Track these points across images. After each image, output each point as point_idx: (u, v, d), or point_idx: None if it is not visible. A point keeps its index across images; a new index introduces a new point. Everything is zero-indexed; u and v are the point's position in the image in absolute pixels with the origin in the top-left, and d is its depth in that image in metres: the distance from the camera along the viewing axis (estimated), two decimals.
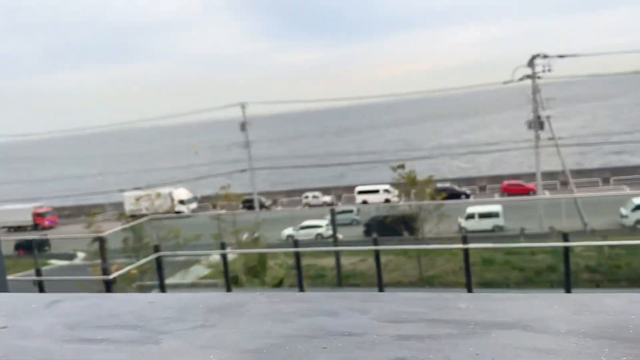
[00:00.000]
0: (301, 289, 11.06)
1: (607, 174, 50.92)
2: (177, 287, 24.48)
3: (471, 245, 10.62)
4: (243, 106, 47.49)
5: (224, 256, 17.95)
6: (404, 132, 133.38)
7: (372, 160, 70.98)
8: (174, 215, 53.60)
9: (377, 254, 10.29)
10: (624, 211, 34.41)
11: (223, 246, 18.46)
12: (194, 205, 57.31)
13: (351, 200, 53.83)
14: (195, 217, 50.25)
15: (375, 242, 10.31)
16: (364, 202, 50.09)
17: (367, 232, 35.52)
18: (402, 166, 29.59)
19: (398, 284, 26.85)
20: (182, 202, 56.32)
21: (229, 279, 17.80)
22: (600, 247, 26.41)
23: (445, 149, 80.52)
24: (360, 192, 52.18)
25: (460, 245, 10.02)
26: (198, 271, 27.64)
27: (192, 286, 25.12)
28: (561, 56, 35.80)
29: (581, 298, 1.14)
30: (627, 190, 44.08)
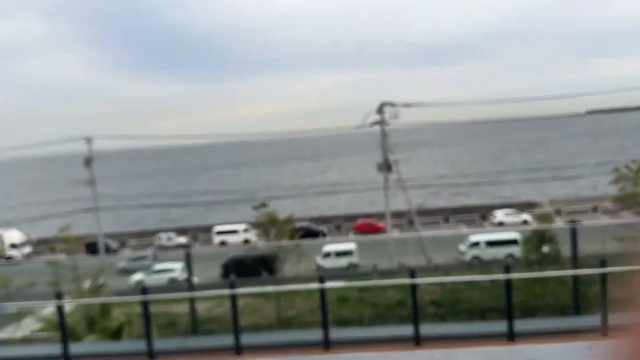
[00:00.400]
0: (149, 341, 10.05)
1: (448, 214, 56.05)
2: (6, 342, 21.28)
3: (327, 285, 10.56)
4: (88, 140, 43.99)
5: (59, 307, 15.91)
6: (261, 172, 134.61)
7: (230, 199, 70.10)
8: (4, 261, 47.29)
9: (233, 298, 9.73)
10: (462, 248, 37.89)
11: (59, 296, 16.39)
12: (27, 249, 51.15)
13: (209, 241, 52.22)
14: (29, 262, 44.79)
15: (232, 285, 9.77)
16: (222, 243, 48.85)
17: (225, 274, 34.45)
18: (263, 204, 29.47)
19: (257, 327, 26.19)
20: (13, 245, 50.02)
21: (65, 333, 15.75)
22: (443, 282, 28.56)
23: (301, 189, 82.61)
24: (219, 233, 50.83)
25: (316, 285, 9.90)
26: (31, 324, 24.37)
27: (25, 341, 21.97)
28: (407, 105, 39.07)
29: (432, 354, 0.93)
30: (464, 229, 48.82)
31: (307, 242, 40.16)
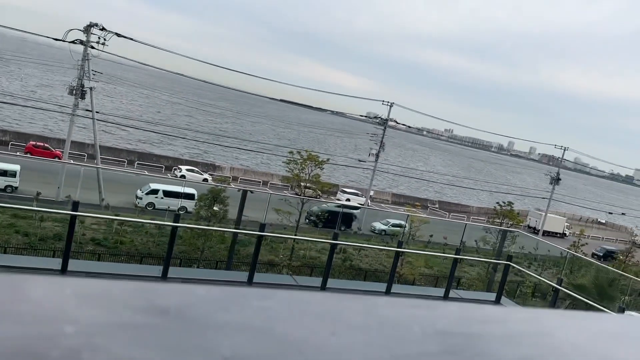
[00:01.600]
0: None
1: (134, 157, 54.72)
2: None
3: None
4: None
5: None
6: None
7: None
8: None
9: None
10: (139, 193, 37.67)
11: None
12: None
13: None
14: None
15: None
16: None
17: None
18: None
19: None
20: None
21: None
22: (112, 222, 27.95)
23: None
24: None
25: None
26: None
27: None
28: (118, 35, 36.44)
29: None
30: (146, 173, 48.51)
31: None
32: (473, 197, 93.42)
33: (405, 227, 41.85)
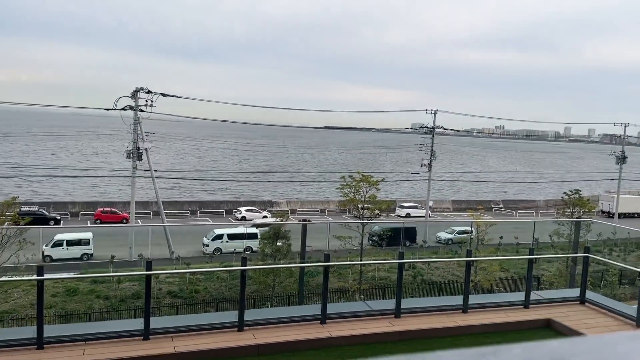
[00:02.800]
0: None
1: (195, 207, 56.55)
2: None
3: (46, 277, 9.73)
4: None
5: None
6: None
7: None
8: None
9: None
10: (205, 240, 38.80)
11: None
12: None
13: None
14: None
15: None
16: None
17: None
18: None
19: None
20: None
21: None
22: (183, 274, 28.85)
23: (38, 170, 72.98)
24: None
25: (35, 277, 9.06)
26: None
27: None
28: (164, 94, 38.25)
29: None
30: (209, 222, 49.98)
31: (36, 229, 35.82)
32: (538, 190, 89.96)
33: (472, 232, 40.72)
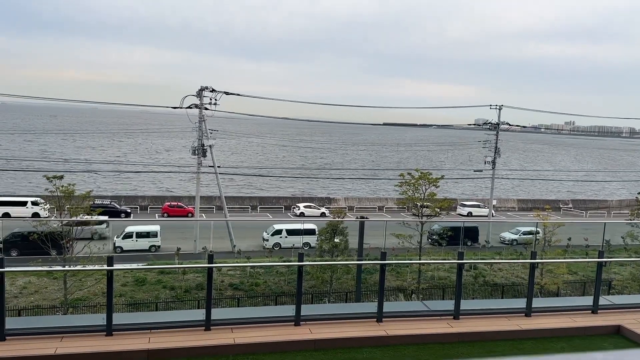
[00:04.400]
0: None
1: (255, 202, 57.78)
2: None
3: (116, 267, 10.23)
4: None
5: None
6: (58, 144, 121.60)
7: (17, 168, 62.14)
8: None
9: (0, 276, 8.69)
10: (265, 235, 39.59)
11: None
12: None
13: None
14: None
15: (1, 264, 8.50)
16: (5, 215, 43.17)
17: (6, 250, 30.66)
18: (59, 177, 26.86)
19: (37, 310, 24.05)
20: None
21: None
22: (244, 267, 29.59)
23: (108, 165, 77.05)
24: (1, 204, 44.69)
25: (105, 267, 9.57)
26: None
27: None
28: (227, 93, 39.28)
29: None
30: (269, 217, 50.91)
31: (109, 221, 37.87)
32: (611, 190, 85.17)
33: (538, 233, 39.14)
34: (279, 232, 39.28)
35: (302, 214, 52.13)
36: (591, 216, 61.89)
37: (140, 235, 36.93)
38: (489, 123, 49.50)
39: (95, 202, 39.18)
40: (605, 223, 14.84)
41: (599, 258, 11.42)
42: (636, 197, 37.53)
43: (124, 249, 36.17)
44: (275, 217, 50.49)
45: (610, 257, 21.80)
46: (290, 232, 39.08)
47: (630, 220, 32.87)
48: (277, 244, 38.76)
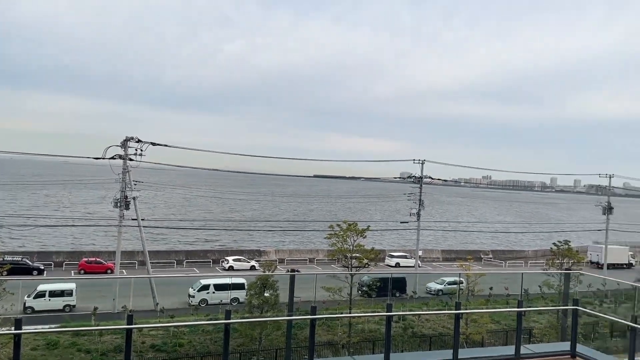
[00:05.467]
0: None
1: (182, 256, 55.71)
2: None
3: (25, 330, 9.34)
4: None
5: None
6: None
7: None
8: None
9: None
10: (191, 291, 38.02)
11: None
12: None
13: None
14: None
15: None
16: None
17: None
18: None
19: None
20: None
21: None
22: (167, 327, 28.07)
23: (19, 219, 71.98)
24: None
25: (12, 331, 8.74)
26: None
27: None
28: (153, 143, 38.39)
29: None
30: (196, 272, 49.12)
31: (17, 279, 34.95)
32: (526, 241, 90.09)
33: (461, 283, 40.30)
34: (206, 287, 37.91)
35: (231, 268, 50.82)
36: (510, 266, 64.86)
37: (53, 294, 34.33)
38: (413, 176, 51.46)
39: (5, 258, 36.26)
40: (522, 273, 15.55)
41: (518, 307, 11.87)
42: (550, 248, 39.84)
43: (36, 309, 33.40)
44: (203, 272, 48.85)
45: (530, 307, 22.78)
46: (218, 287, 37.86)
47: (546, 269, 34.70)
48: (203, 300, 37.30)
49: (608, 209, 60.18)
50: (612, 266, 62.72)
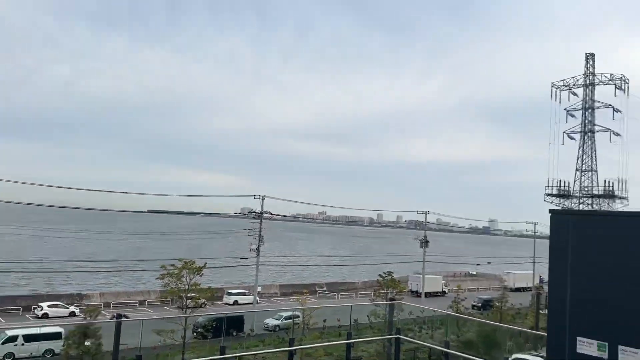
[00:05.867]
0: None
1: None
2: None
3: None
4: None
5: None
6: None
7: None
8: None
9: None
10: None
11: None
12: None
13: None
14: None
15: None
16: None
17: None
18: None
19: None
20: None
21: None
22: None
23: None
24: None
25: None
26: None
27: None
28: None
29: None
30: (1, 321, 42.55)
31: None
32: (358, 273, 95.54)
33: (297, 317, 40.94)
34: (12, 339, 32.99)
35: (45, 315, 45.07)
36: (343, 297, 67.96)
37: None
38: (253, 212, 51.63)
39: None
40: (352, 305, 16.33)
41: (347, 339, 12.35)
42: (377, 279, 42.63)
43: None
44: (10, 321, 42.52)
45: (358, 337, 23.91)
46: (29, 338, 33.20)
47: (373, 299, 36.95)
48: (9, 355, 32.34)
49: (425, 242, 66.86)
50: (429, 294, 69.32)
